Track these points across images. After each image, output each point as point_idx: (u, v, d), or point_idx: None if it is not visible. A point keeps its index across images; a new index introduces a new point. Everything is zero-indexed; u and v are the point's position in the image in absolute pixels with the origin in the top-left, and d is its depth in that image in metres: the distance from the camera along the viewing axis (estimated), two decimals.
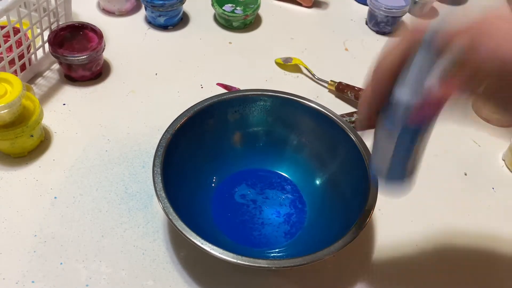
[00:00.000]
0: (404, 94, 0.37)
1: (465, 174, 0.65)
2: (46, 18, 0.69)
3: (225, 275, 0.52)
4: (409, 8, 0.89)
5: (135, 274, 0.51)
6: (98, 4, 0.84)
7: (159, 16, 0.80)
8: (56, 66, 0.73)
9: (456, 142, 0.69)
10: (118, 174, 0.60)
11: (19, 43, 0.65)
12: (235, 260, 0.45)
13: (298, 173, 0.60)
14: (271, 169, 0.61)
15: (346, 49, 0.82)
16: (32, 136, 0.59)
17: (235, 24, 0.83)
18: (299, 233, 0.56)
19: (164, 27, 0.82)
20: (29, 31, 0.66)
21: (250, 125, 0.61)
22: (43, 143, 0.62)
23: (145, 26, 0.82)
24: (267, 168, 0.61)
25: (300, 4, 0.90)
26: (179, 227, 0.46)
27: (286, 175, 0.61)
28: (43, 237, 0.53)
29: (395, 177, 0.43)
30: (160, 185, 0.49)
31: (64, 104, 0.68)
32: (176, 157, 0.53)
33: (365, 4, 0.88)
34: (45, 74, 0.72)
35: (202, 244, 0.45)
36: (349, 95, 0.72)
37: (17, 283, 0.50)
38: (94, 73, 0.71)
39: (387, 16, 0.83)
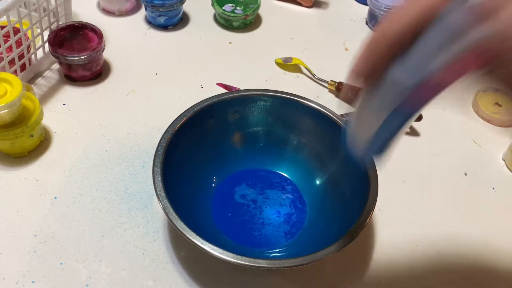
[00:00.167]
0: (403, 73, 0.32)
1: (465, 174, 0.65)
2: (46, 18, 0.69)
3: (225, 275, 0.52)
4: None
5: (135, 274, 0.51)
6: (98, 4, 0.84)
7: (159, 16, 0.80)
8: (56, 66, 0.73)
9: (456, 142, 0.69)
10: (118, 174, 0.60)
11: (19, 43, 0.65)
12: (235, 260, 0.45)
13: (298, 173, 0.60)
14: (271, 169, 0.61)
15: (346, 49, 0.82)
16: (32, 136, 0.59)
17: (235, 24, 0.83)
18: (299, 233, 0.56)
19: (164, 27, 0.82)
20: (29, 31, 0.66)
21: (250, 125, 0.61)
22: (43, 143, 0.62)
23: (145, 26, 0.82)
24: (267, 168, 0.61)
25: (300, 4, 0.90)
26: (179, 227, 0.46)
27: (286, 175, 0.61)
28: (43, 237, 0.53)
29: (371, 152, 0.40)
30: (160, 185, 0.49)
31: (64, 104, 0.68)
32: (176, 157, 0.53)
33: (365, 4, 0.88)
34: (45, 74, 0.72)
35: (202, 244, 0.45)
36: (349, 95, 0.72)
37: (17, 283, 0.50)
38: (94, 73, 0.71)
39: None
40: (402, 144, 0.68)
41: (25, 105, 0.59)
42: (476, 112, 0.73)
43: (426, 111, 0.68)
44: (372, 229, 0.58)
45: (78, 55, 0.67)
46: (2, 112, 0.55)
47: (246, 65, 0.77)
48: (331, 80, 0.74)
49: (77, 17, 0.80)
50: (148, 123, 0.67)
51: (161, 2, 0.77)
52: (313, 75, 0.76)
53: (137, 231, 0.55)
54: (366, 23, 0.88)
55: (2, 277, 0.50)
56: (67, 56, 0.67)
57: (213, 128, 0.59)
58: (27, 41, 0.66)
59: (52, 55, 0.68)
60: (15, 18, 0.62)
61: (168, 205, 0.47)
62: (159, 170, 0.50)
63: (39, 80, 0.71)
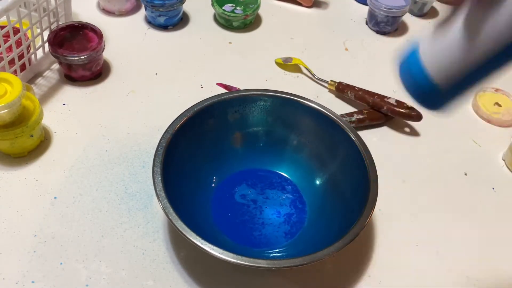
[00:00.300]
0: None
1: (465, 174, 0.65)
2: (46, 18, 0.69)
3: (225, 275, 0.52)
4: (409, 8, 0.89)
5: (135, 274, 0.51)
6: (98, 4, 0.84)
7: (159, 16, 0.80)
8: (56, 66, 0.73)
9: (456, 142, 0.69)
10: (118, 174, 0.60)
11: (19, 43, 0.65)
12: (235, 260, 0.45)
13: (298, 173, 0.60)
14: (271, 169, 0.61)
15: (346, 49, 0.82)
16: (32, 136, 0.59)
17: (235, 24, 0.83)
18: (299, 233, 0.56)
19: (164, 27, 0.82)
20: (29, 31, 0.66)
21: (250, 125, 0.61)
22: (43, 143, 0.62)
23: (145, 26, 0.82)
24: (267, 168, 0.61)
25: (300, 4, 0.90)
26: (179, 227, 0.46)
27: (286, 175, 0.61)
28: (43, 237, 0.53)
29: (447, 97, 0.29)
30: (160, 185, 0.49)
31: (64, 104, 0.68)
32: (176, 157, 0.53)
33: (365, 4, 0.88)
34: (45, 74, 0.72)
35: (202, 244, 0.45)
36: (349, 95, 0.72)
37: (17, 283, 0.50)
38: (94, 73, 0.71)
39: (387, 16, 0.83)
40: (402, 144, 0.68)
41: (25, 105, 0.59)
42: (476, 112, 0.73)
43: (426, 111, 0.68)
44: (372, 229, 0.58)
45: (78, 55, 0.67)
46: (2, 112, 0.55)
47: (246, 65, 0.77)
48: (331, 80, 0.74)
49: (77, 17, 0.80)
50: (148, 123, 0.67)
51: (161, 2, 0.77)
52: (313, 75, 0.76)
53: (137, 231, 0.55)
54: (366, 23, 0.88)
55: (2, 277, 0.50)
56: (67, 56, 0.67)
57: (213, 128, 0.59)
58: (27, 41, 0.66)
59: (52, 55, 0.68)
60: (15, 18, 0.62)
61: (168, 205, 0.47)
62: (159, 170, 0.50)
63: (39, 80, 0.71)
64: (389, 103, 0.69)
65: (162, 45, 0.79)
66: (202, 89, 0.72)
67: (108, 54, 0.75)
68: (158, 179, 0.49)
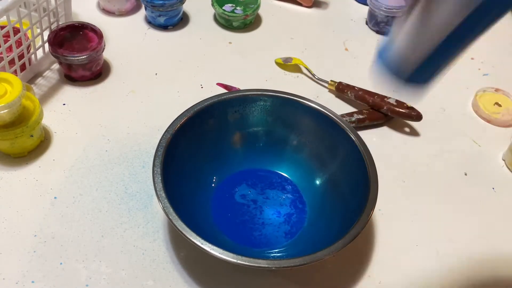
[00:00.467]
0: None
1: (465, 174, 0.65)
2: (46, 18, 0.69)
3: (225, 275, 0.52)
4: None
5: (135, 274, 0.51)
6: (98, 4, 0.84)
7: (159, 16, 0.80)
8: (56, 66, 0.73)
9: (456, 142, 0.69)
10: (118, 174, 0.60)
11: (19, 43, 0.65)
12: (235, 260, 0.45)
13: (298, 173, 0.60)
14: (271, 169, 0.61)
15: (346, 49, 0.82)
16: (32, 136, 0.59)
17: (235, 24, 0.83)
18: (299, 233, 0.56)
19: (164, 27, 0.82)
20: (29, 31, 0.66)
21: (250, 125, 0.61)
22: (43, 143, 0.62)
23: (145, 26, 0.82)
24: (267, 168, 0.61)
25: (300, 4, 0.90)
26: (179, 227, 0.46)
27: (286, 175, 0.61)
28: (43, 237, 0.53)
29: (423, 76, 0.32)
30: (160, 185, 0.49)
31: (64, 104, 0.68)
32: (176, 157, 0.53)
33: (365, 4, 0.88)
34: (45, 74, 0.72)
35: (202, 244, 0.45)
36: (349, 95, 0.72)
37: (17, 283, 0.50)
38: (94, 73, 0.71)
39: (387, 16, 0.83)
40: (402, 144, 0.68)
41: (25, 105, 0.59)
42: (476, 112, 0.73)
43: (426, 111, 0.68)
44: (372, 229, 0.58)
45: (78, 55, 0.67)
46: (2, 112, 0.55)
47: (246, 65, 0.77)
48: (331, 80, 0.74)
49: (77, 17, 0.80)
50: (148, 123, 0.67)
51: (161, 2, 0.77)
52: (313, 75, 0.76)
53: (137, 231, 0.55)
54: (366, 23, 0.88)
55: (2, 277, 0.50)
56: (67, 56, 0.67)
57: (213, 128, 0.59)
58: (27, 41, 0.66)
59: (52, 55, 0.68)
60: (15, 18, 0.62)
61: (168, 205, 0.47)
62: (159, 170, 0.50)
63: (39, 80, 0.71)
64: (389, 103, 0.69)
65: (162, 45, 0.79)
66: (202, 89, 0.72)
67: (108, 54, 0.75)
68: (158, 179, 0.49)
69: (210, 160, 0.59)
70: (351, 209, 0.52)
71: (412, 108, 0.68)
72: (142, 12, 0.84)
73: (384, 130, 0.70)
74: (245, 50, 0.80)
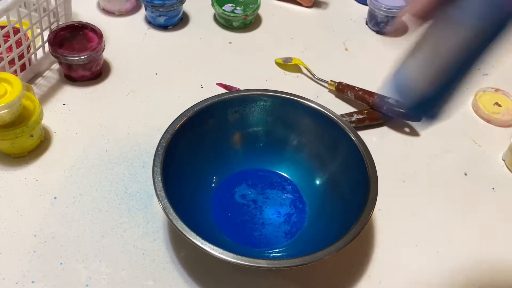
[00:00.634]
0: None
1: (465, 174, 0.65)
2: (46, 18, 0.69)
3: (225, 275, 0.52)
4: None
5: (135, 274, 0.51)
6: (98, 4, 0.84)
7: (159, 16, 0.80)
8: (56, 66, 0.73)
9: (456, 142, 0.69)
10: (118, 174, 0.60)
11: (19, 43, 0.65)
12: (235, 260, 0.45)
13: (298, 173, 0.60)
14: (271, 169, 0.61)
15: (346, 49, 0.82)
16: (32, 136, 0.59)
17: (235, 24, 0.83)
18: (299, 233, 0.56)
19: (164, 27, 0.82)
20: (29, 31, 0.66)
21: (250, 125, 0.61)
22: (43, 143, 0.62)
23: (145, 26, 0.82)
24: (267, 168, 0.61)
25: (300, 4, 0.90)
26: (179, 227, 0.46)
27: (286, 175, 0.61)
28: (43, 237, 0.53)
29: (434, 103, 0.31)
30: (160, 185, 0.49)
31: (64, 104, 0.68)
32: (176, 157, 0.53)
33: (365, 4, 0.88)
34: (45, 74, 0.72)
35: (202, 244, 0.45)
36: (349, 95, 0.72)
37: (17, 283, 0.50)
38: (94, 73, 0.71)
39: (387, 16, 0.83)
40: (402, 144, 0.68)
41: (25, 105, 0.59)
42: (476, 112, 0.73)
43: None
44: (372, 229, 0.58)
45: (78, 55, 0.67)
46: (2, 112, 0.55)
47: (246, 65, 0.77)
48: (331, 80, 0.74)
49: (77, 17, 0.80)
50: (148, 123, 0.67)
51: (161, 2, 0.77)
52: (313, 75, 0.76)
53: (137, 231, 0.55)
54: (366, 23, 0.88)
55: (2, 277, 0.50)
56: (67, 56, 0.67)
57: (213, 128, 0.59)
58: (27, 41, 0.66)
59: (52, 55, 0.68)
60: (15, 18, 0.62)
61: (168, 205, 0.47)
62: (159, 170, 0.50)
63: (39, 80, 0.71)
64: (389, 103, 0.69)
65: (162, 45, 0.79)
66: (202, 89, 0.72)
67: (108, 54, 0.75)
68: (158, 179, 0.49)
69: (210, 160, 0.59)
70: (351, 209, 0.52)
71: None
72: (142, 12, 0.84)
73: (384, 130, 0.70)
74: (245, 50, 0.80)
